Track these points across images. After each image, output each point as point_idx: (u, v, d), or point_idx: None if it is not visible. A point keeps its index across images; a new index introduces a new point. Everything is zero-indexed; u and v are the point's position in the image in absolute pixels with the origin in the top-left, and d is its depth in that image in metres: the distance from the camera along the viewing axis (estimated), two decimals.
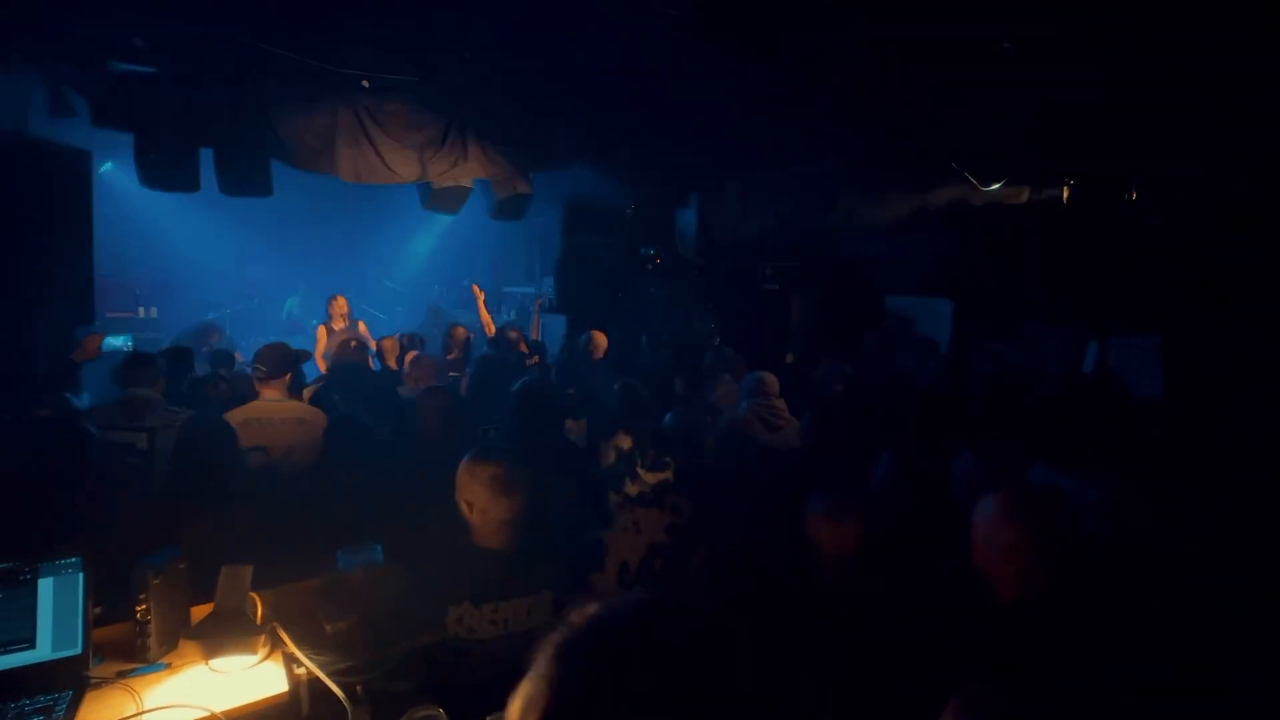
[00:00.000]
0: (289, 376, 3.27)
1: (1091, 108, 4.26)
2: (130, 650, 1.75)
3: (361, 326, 6.33)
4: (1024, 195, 5.28)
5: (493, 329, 5.96)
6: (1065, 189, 5.21)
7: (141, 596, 1.73)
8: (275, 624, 1.79)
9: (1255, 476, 2.29)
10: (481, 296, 6.23)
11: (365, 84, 4.77)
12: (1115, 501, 2.04)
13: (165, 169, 4.40)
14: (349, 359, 4.34)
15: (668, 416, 3.33)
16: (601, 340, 4.98)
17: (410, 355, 4.54)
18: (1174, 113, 4.03)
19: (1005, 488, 1.65)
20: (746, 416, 3.34)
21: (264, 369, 3.15)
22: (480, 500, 1.88)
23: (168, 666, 1.74)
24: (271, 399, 3.12)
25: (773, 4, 3.74)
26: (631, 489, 2.17)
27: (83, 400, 4.05)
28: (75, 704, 1.58)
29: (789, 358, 5.82)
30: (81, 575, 1.74)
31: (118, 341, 6.27)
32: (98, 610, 1.78)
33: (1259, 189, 4.16)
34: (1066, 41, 3.70)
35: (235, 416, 2.92)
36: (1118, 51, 3.67)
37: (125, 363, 3.42)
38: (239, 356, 5.15)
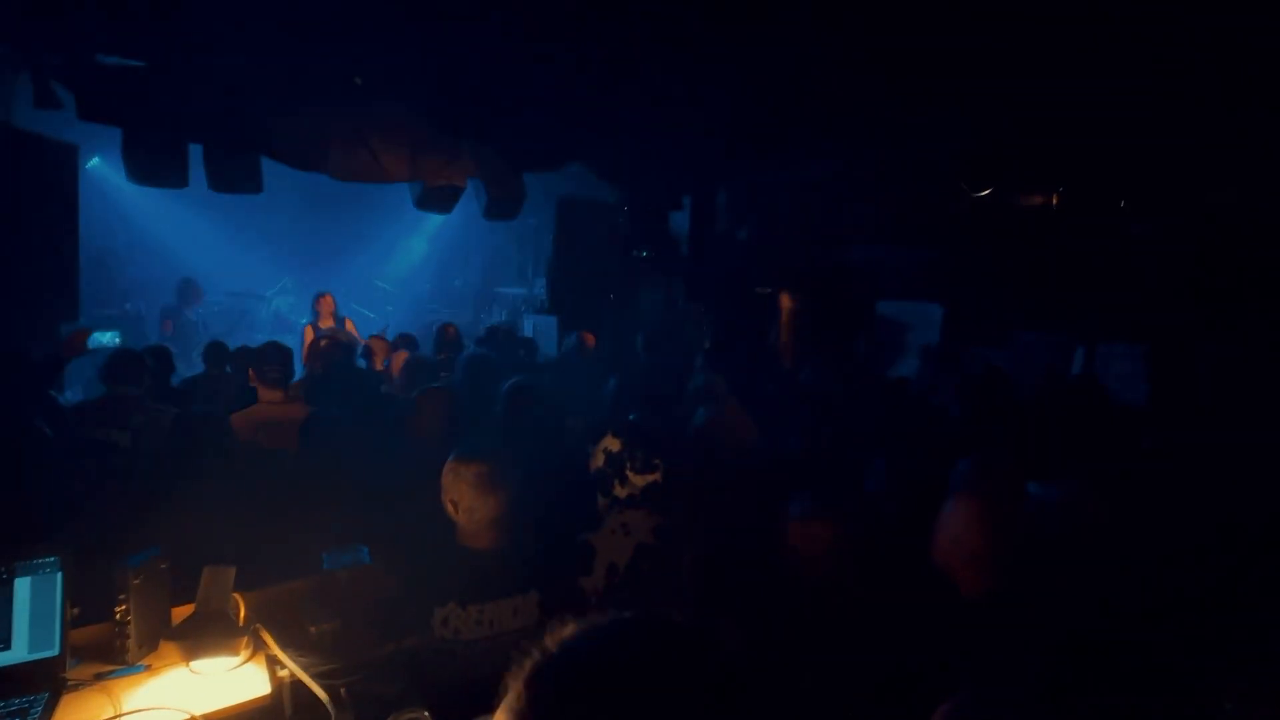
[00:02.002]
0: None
1: (1083, 117, 4.30)
2: (109, 652, 1.72)
3: (349, 325, 6.29)
4: (1014, 202, 5.33)
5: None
6: (1055, 197, 5.26)
7: (121, 597, 1.71)
8: (258, 625, 1.77)
9: (1239, 482, 2.31)
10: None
11: (358, 81, 4.74)
12: (1084, 504, 2.06)
13: (153, 164, 4.35)
14: (334, 356, 4.30)
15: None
16: (588, 339, 4.98)
17: (399, 356, 4.51)
18: (1164, 122, 4.08)
19: (967, 493, 1.67)
20: (710, 423, 3.30)
21: (278, 371, 3.12)
22: (466, 499, 1.87)
23: (147, 668, 1.72)
24: (277, 400, 3.09)
25: (769, 12, 3.75)
26: (620, 491, 2.17)
27: (68, 397, 4.00)
28: (51, 706, 1.55)
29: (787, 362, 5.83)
30: (59, 575, 1.71)
31: (105, 338, 6.20)
32: (76, 611, 1.75)
33: (1246, 198, 4.22)
34: (1058, 51, 3.74)
35: (248, 419, 2.88)
36: (1109, 62, 3.71)
37: (110, 360, 3.38)
38: None
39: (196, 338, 6.19)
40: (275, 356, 3.17)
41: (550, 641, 0.64)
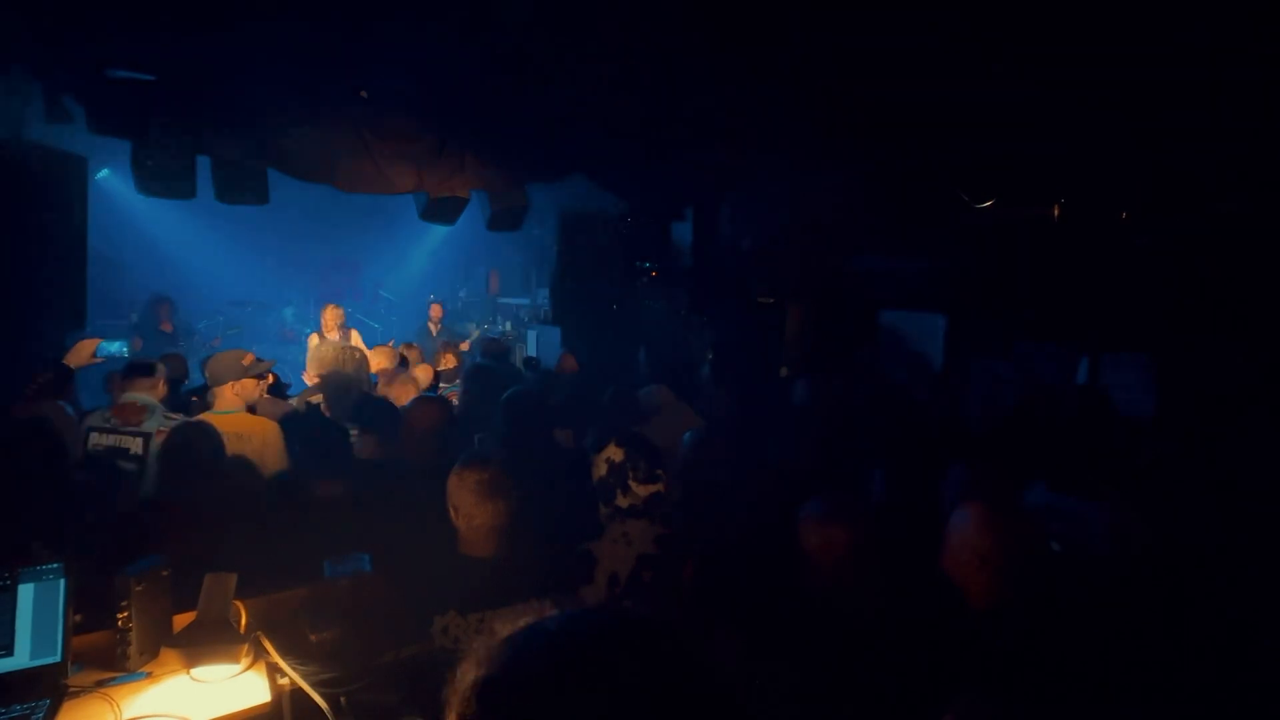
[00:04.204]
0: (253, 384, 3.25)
1: (1083, 127, 4.31)
2: (110, 659, 1.72)
3: (355, 336, 6.31)
4: (1016, 212, 5.34)
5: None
6: (1057, 207, 5.27)
7: (123, 604, 1.71)
8: (259, 633, 1.77)
9: (1248, 492, 2.30)
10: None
11: (363, 94, 4.79)
12: (1121, 522, 2.05)
13: (162, 176, 4.40)
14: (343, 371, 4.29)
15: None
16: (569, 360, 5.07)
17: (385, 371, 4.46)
18: (1163, 131, 4.09)
19: (979, 499, 1.66)
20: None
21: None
22: (466, 505, 1.88)
23: (148, 675, 1.72)
24: (230, 409, 3.12)
25: (768, 23, 3.79)
26: (622, 501, 2.17)
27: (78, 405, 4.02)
28: (52, 713, 1.56)
29: (783, 371, 5.83)
30: (63, 582, 1.72)
31: (113, 347, 6.22)
32: (79, 618, 1.75)
33: (1247, 206, 4.22)
34: (1058, 61, 3.76)
35: (222, 425, 2.88)
36: (1109, 71, 3.73)
37: (125, 369, 3.43)
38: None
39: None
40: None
41: (503, 630, 0.64)
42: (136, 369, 3.39)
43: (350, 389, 3.71)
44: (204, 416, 3.01)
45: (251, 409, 3.22)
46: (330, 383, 3.77)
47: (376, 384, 4.12)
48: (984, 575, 1.58)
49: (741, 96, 4.76)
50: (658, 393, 3.67)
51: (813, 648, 1.63)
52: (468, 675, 0.61)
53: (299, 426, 3.12)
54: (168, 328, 6.62)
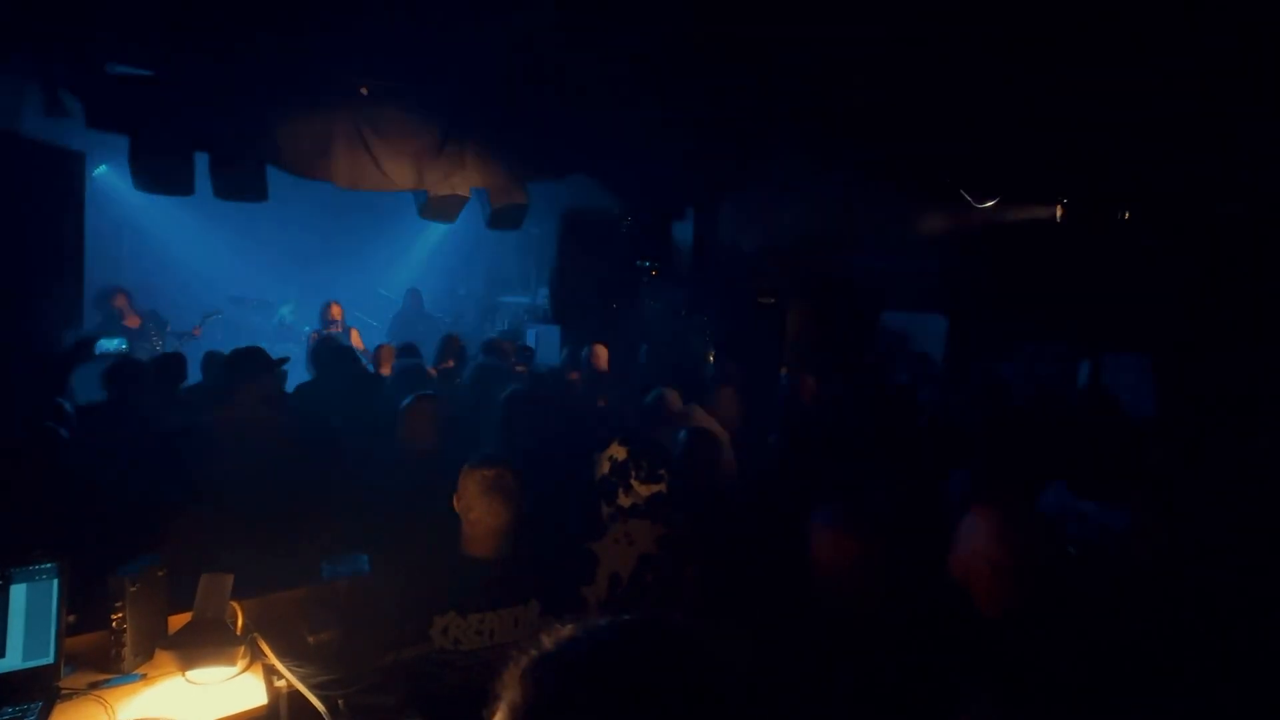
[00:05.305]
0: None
1: (1085, 128, 4.30)
2: (104, 660, 1.70)
3: (355, 335, 6.29)
4: (1018, 214, 5.33)
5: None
6: (1059, 208, 5.26)
7: (118, 605, 1.69)
8: (256, 634, 1.75)
9: (1251, 494, 2.28)
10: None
11: (363, 91, 4.77)
12: (1140, 525, 2.03)
13: (160, 172, 4.37)
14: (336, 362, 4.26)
15: None
16: (602, 352, 4.99)
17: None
18: (1167, 134, 4.08)
19: (988, 505, 1.64)
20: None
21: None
22: (467, 500, 1.87)
23: (143, 677, 1.70)
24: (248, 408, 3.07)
25: (769, 25, 3.77)
26: (624, 500, 2.14)
27: (74, 403, 3.99)
28: (45, 715, 1.53)
29: (783, 371, 5.81)
30: (56, 582, 1.69)
31: (111, 345, 6.17)
32: (72, 618, 1.73)
33: (1247, 209, 4.21)
34: (1061, 63, 3.74)
35: (237, 424, 2.85)
36: (1111, 73, 3.71)
37: (118, 367, 3.39)
38: None
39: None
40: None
41: (548, 639, 0.62)
42: (132, 368, 3.36)
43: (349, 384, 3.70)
44: (219, 414, 2.97)
45: (267, 406, 3.17)
46: (330, 379, 3.75)
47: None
48: (994, 582, 1.55)
49: (741, 97, 4.75)
50: (667, 396, 3.65)
51: (819, 653, 1.61)
52: (506, 706, 0.61)
53: (298, 423, 3.09)
54: (133, 322, 6.00)
